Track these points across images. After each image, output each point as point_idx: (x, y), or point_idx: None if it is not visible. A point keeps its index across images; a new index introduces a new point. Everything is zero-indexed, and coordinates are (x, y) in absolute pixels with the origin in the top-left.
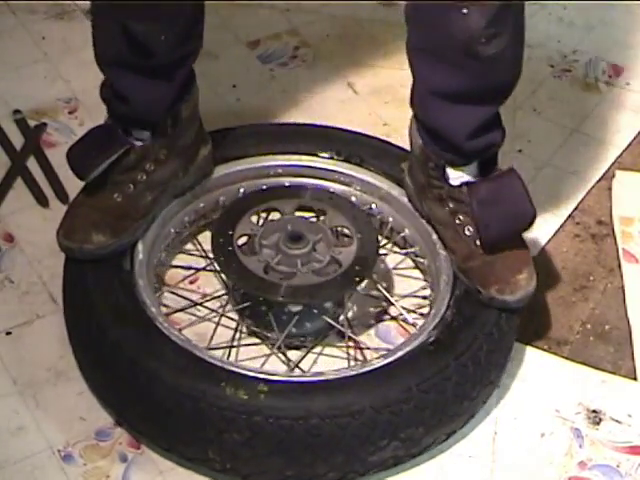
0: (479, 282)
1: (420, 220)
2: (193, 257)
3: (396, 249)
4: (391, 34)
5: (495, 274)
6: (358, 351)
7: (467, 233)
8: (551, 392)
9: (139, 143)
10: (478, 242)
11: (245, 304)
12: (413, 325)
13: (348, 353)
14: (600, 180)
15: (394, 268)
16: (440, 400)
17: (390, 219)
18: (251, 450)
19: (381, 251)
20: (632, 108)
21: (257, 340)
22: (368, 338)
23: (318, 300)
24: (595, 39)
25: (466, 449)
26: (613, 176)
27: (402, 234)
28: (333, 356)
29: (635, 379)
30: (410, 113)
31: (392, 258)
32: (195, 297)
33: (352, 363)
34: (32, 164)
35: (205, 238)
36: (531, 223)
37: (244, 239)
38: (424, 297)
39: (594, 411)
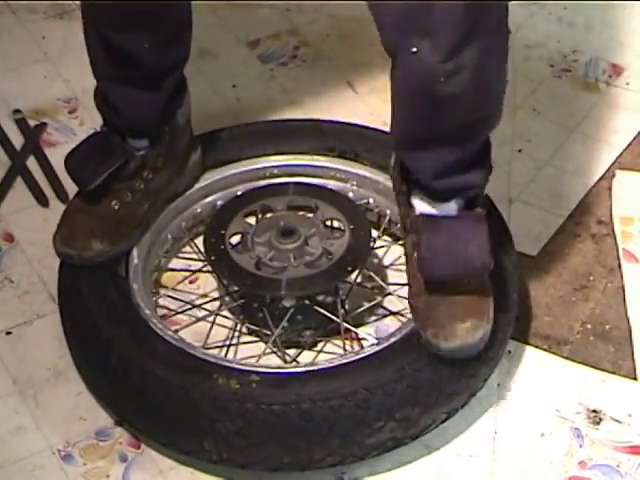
0: (419, 323)
1: None
2: (191, 260)
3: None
4: None
5: (434, 317)
6: (357, 346)
7: None
8: (551, 392)
9: (139, 153)
10: None
11: (239, 302)
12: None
13: (344, 350)
14: (600, 180)
15: (393, 262)
16: (435, 379)
17: (388, 212)
18: (245, 439)
19: (381, 244)
20: (632, 108)
21: (255, 338)
22: (367, 336)
23: (309, 291)
24: (595, 39)
25: (466, 449)
26: (613, 176)
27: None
28: (332, 353)
29: (635, 379)
30: None
31: (391, 250)
32: (195, 297)
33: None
34: (32, 164)
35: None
36: (481, 272)
37: (238, 238)
38: None
39: (594, 411)
